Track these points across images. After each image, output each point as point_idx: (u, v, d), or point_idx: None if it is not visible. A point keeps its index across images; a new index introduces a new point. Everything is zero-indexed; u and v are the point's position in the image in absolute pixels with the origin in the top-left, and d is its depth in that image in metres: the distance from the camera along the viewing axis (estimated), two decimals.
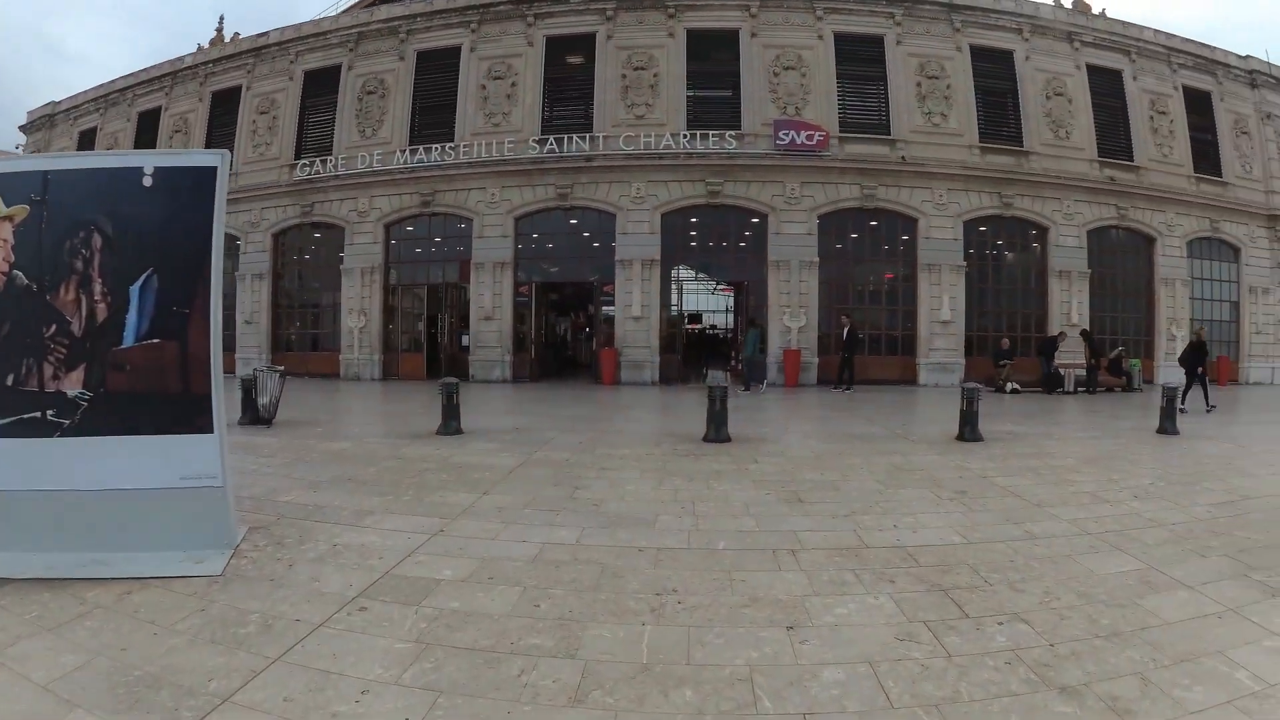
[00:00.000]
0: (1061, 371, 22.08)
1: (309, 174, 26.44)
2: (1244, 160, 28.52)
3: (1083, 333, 22.87)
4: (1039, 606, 4.68)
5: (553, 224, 24.86)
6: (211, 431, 5.57)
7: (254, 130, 27.99)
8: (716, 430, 11.47)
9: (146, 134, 30.44)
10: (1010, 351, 22.66)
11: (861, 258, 25.03)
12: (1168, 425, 12.70)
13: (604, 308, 25.39)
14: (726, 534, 6.30)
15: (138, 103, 31.22)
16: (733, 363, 26.30)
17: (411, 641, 4.06)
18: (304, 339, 27.78)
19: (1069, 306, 25.05)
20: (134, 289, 5.52)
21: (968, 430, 11.76)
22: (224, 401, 5.67)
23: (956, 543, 6.10)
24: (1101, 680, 3.66)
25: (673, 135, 23.59)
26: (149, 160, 5.87)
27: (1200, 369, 17.51)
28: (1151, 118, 26.89)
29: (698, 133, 23.64)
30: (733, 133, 23.68)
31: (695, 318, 34.11)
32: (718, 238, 24.92)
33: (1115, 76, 26.74)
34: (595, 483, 8.34)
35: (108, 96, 32.15)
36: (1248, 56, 29.12)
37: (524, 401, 18.75)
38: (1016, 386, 21.58)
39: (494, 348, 24.46)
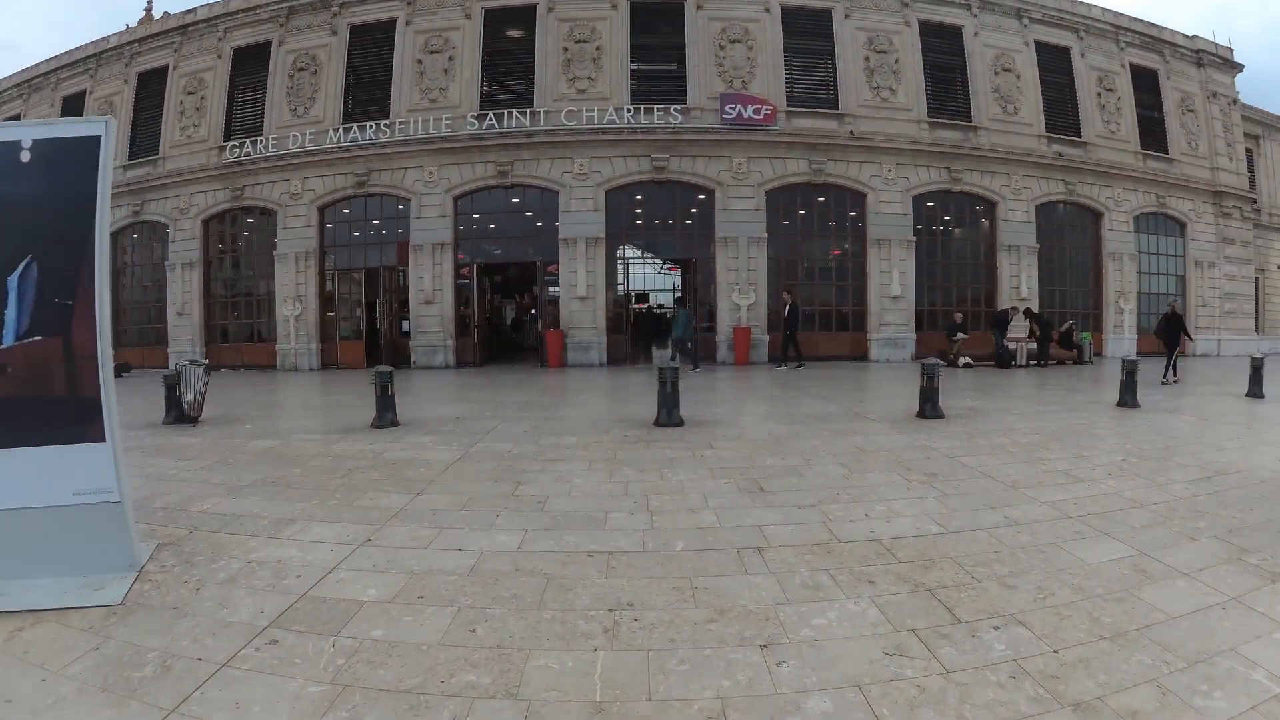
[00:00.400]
0: (1012, 346, 22.04)
1: (239, 156, 25.25)
2: (1190, 137, 28.96)
3: (1027, 312, 22.79)
4: (1034, 605, 4.25)
5: (494, 203, 24.04)
6: (103, 440, 4.87)
7: (181, 112, 26.67)
8: (668, 414, 10.97)
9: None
10: (963, 326, 22.59)
11: (810, 233, 24.71)
12: (1128, 399, 12.64)
13: (549, 288, 24.72)
14: (685, 532, 5.76)
15: (62, 86, 29.57)
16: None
17: (327, 683, 3.44)
18: (239, 330, 26.60)
19: (1018, 281, 25.16)
20: (12, 280, 4.77)
21: (928, 407, 11.44)
22: (116, 405, 4.95)
23: (935, 533, 5.66)
24: (1116, 692, 3.25)
25: (616, 110, 22.98)
26: (27, 132, 5.07)
27: (1179, 339, 17.92)
28: (1099, 95, 27.07)
29: (642, 107, 23.05)
30: (678, 107, 23.16)
31: (643, 297, 33.42)
32: (664, 215, 24.31)
33: (1063, 54, 26.86)
34: (540, 477, 7.68)
35: (31, 81, 30.37)
36: (1194, 36, 29.60)
37: (467, 388, 17.97)
38: (969, 361, 21.57)
39: (435, 333, 23.66)
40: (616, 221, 23.46)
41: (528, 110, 23.19)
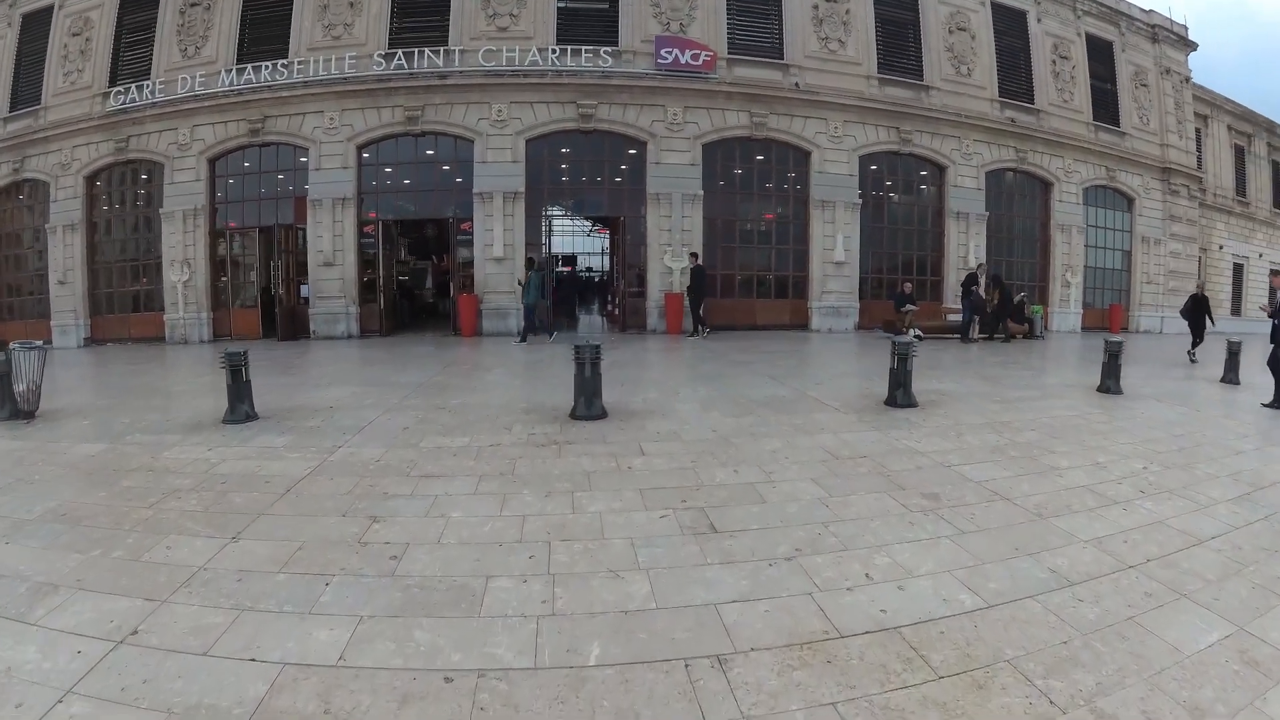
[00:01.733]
0: (957, 319, 19.27)
1: (123, 103, 21.33)
2: (1142, 112, 26.78)
3: (994, 277, 19.81)
4: None
5: (402, 153, 20.43)
6: None
7: (65, 56, 22.63)
8: (588, 404, 8.29)
9: None
10: (912, 297, 19.66)
11: (750, 192, 21.61)
12: (1110, 384, 10.71)
13: (462, 249, 21.14)
14: (604, 622, 3.55)
15: None
16: (610, 307, 22.61)
17: None
18: (125, 299, 22.49)
19: (965, 250, 22.65)
20: None
21: (900, 394, 9.12)
22: None
23: (970, 607, 3.71)
24: None
25: (540, 50, 19.54)
26: None
27: (1204, 321, 16.57)
28: (1054, 62, 24.67)
29: (569, 48, 19.68)
30: (609, 49, 19.81)
31: (569, 259, 29.75)
32: (591, 169, 20.95)
33: (1020, 17, 24.29)
34: (406, 507, 5.31)
35: None
36: (1150, 11, 27.50)
37: (362, 364, 14.78)
38: (920, 333, 18.58)
39: (337, 298, 20.07)
40: (538, 175, 20.09)
41: (441, 49, 19.65)
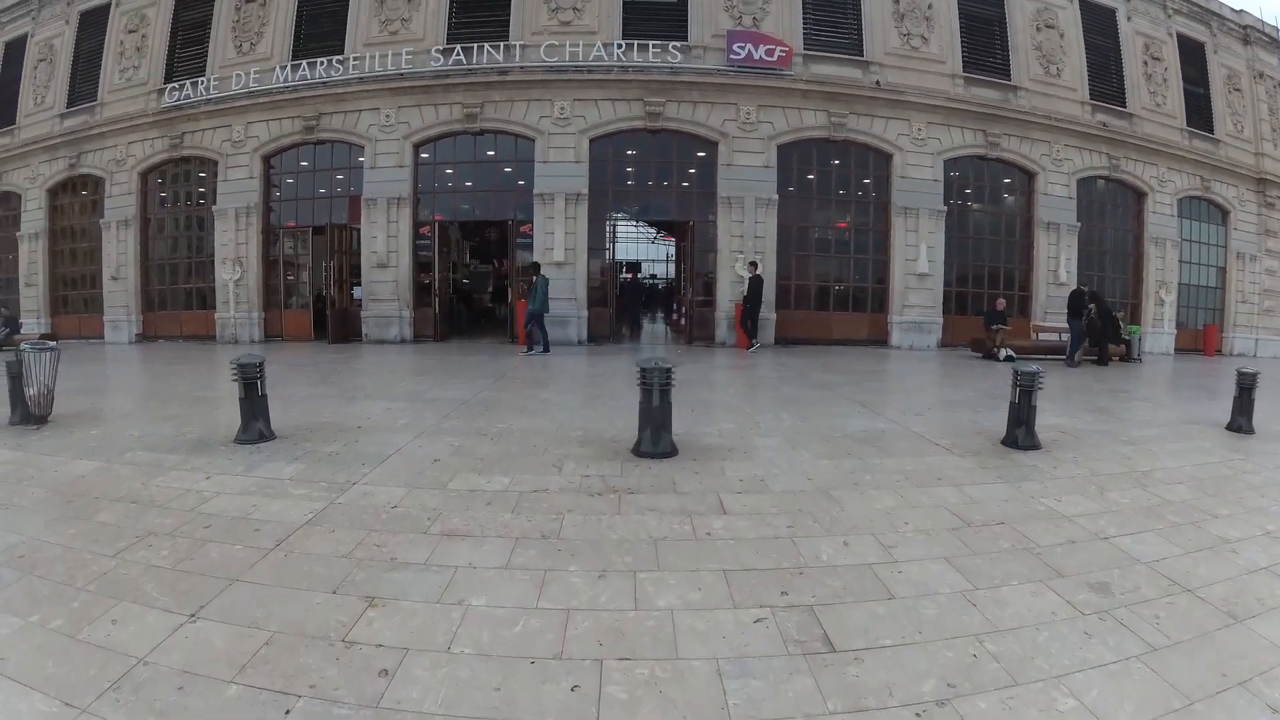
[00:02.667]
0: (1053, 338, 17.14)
1: (178, 100, 20.26)
2: (1235, 118, 24.26)
3: (1092, 294, 17.58)
4: None
5: (461, 152, 18.91)
6: None
7: (121, 53, 21.78)
8: (654, 438, 6.55)
9: (13, 66, 24.21)
10: (1005, 314, 17.55)
11: (827, 198, 19.61)
12: (1241, 422, 8.83)
13: (522, 253, 19.54)
14: None
15: (7, 30, 24.75)
16: (676, 316, 20.85)
17: None
18: (178, 296, 21.46)
19: (1056, 263, 20.50)
20: None
21: (1022, 434, 7.28)
22: None
23: None
24: None
25: (605, 45, 17.91)
26: None
27: None
28: (1145, 63, 22.29)
29: (635, 43, 17.99)
30: (677, 44, 18.11)
31: (634, 266, 27.94)
32: (657, 171, 19.13)
33: (1109, 15, 21.97)
34: (415, 584, 3.87)
35: None
36: (1241, 11, 24.87)
37: (407, 373, 13.29)
38: (1011, 353, 16.54)
39: (390, 301, 18.65)
40: (601, 176, 18.41)
41: (501, 44, 18.13)
